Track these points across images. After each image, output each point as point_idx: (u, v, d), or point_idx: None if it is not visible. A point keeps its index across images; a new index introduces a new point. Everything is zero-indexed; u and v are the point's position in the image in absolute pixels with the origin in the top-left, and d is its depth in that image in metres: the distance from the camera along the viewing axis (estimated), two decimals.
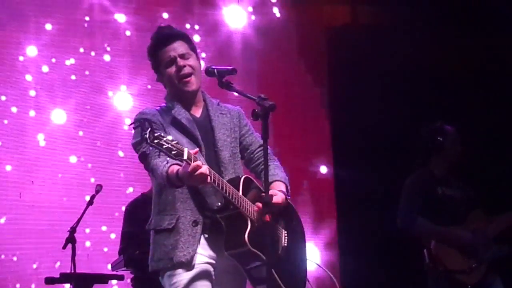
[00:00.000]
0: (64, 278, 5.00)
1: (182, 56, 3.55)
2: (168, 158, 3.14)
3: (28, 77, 5.98)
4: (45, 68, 6.08)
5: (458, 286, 4.72)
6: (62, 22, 6.23)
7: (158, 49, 3.58)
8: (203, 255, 3.40)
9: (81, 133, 6.12)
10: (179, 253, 3.35)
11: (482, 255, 4.78)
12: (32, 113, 5.94)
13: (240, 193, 3.37)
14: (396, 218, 4.89)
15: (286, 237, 3.59)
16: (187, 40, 3.63)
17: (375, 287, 6.72)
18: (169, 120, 3.49)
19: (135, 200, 5.34)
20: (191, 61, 3.56)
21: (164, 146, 3.01)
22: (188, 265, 3.35)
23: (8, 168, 5.68)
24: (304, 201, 7.34)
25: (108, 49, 6.46)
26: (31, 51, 6.04)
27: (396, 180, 5.26)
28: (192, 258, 3.35)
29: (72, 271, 4.90)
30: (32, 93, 5.97)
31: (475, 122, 6.24)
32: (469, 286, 4.72)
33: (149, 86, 6.42)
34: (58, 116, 6.05)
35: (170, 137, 3.04)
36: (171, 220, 3.39)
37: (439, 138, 5.00)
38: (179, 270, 3.37)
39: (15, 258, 5.61)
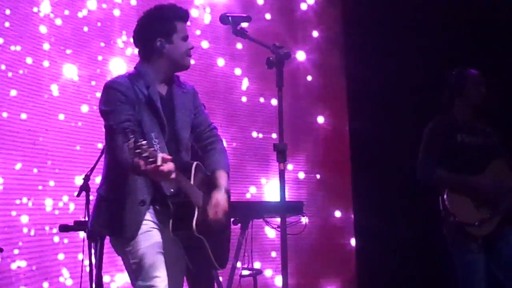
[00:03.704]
0: (78, 225, 5.08)
1: None
2: None
3: (43, 29, 6.01)
4: (58, 21, 6.10)
5: (469, 237, 4.76)
6: None
7: (178, 19, 3.75)
8: (152, 222, 3.61)
9: (93, 83, 6.17)
10: (123, 227, 3.55)
11: (499, 204, 4.79)
12: (46, 63, 5.97)
13: (192, 181, 3.58)
14: (414, 168, 4.93)
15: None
16: None
17: (390, 238, 6.80)
18: (143, 98, 3.61)
19: None
20: None
21: (143, 154, 3.16)
22: (131, 239, 3.56)
23: (23, 116, 5.75)
24: (318, 157, 7.44)
25: (119, 2, 6.50)
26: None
27: (412, 131, 5.29)
28: (133, 236, 3.56)
29: (86, 219, 4.92)
30: (46, 45, 6.00)
31: (503, 68, 6.11)
32: (479, 240, 4.78)
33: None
34: (71, 67, 6.10)
35: (145, 143, 3.18)
36: (121, 194, 3.55)
37: (459, 80, 4.99)
38: (125, 241, 3.58)
39: (30, 204, 5.71)
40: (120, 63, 6.35)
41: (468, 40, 6.50)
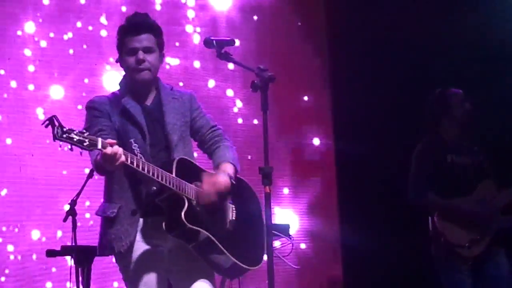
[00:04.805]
0: (65, 250, 5.05)
1: (146, 50, 3.65)
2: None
3: (27, 51, 5.98)
4: (43, 43, 6.07)
5: (459, 258, 4.75)
6: None
7: (125, 35, 3.68)
8: (145, 241, 3.55)
9: (79, 106, 6.12)
10: (119, 243, 3.52)
11: (488, 226, 4.78)
12: (31, 87, 5.94)
13: (174, 174, 3.45)
14: (406, 189, 4.89)
15: (234, 211, 3.68)
16: (156, 34, 3.73)
17: (377, 256, 6.76)
18: (118, 109, 3.62)
19: None
20: (152, 57, 3.67)
21: (74, 139, 3.09)
22: (128, 256, 3.53)
23: (9, 141, 5.70)
24: (304, 174, 7.38)
25: (105, 23, 6.47)
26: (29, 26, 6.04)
27: (397, 150, 5.25)
28: (130, 248, 3.52)
29: (73, 244, 4.93)
30: (31, 67, 5.97)
31: (489, 88, 6.05)
32: (469, 262, 4.75)
33: None
34: (57, 90, 6.06)
35: (83, 130, 3.14)
36: (114, 209, 3.55)
37: (444, 99, 4.98)
38: (125, 262, 3.56)
39: (16, 230, 5.65)
40: (107, 86, 6.31)
41: (455, 60, 6.48)
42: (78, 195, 5.04)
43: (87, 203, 5.88)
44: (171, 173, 3.45)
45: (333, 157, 7.58)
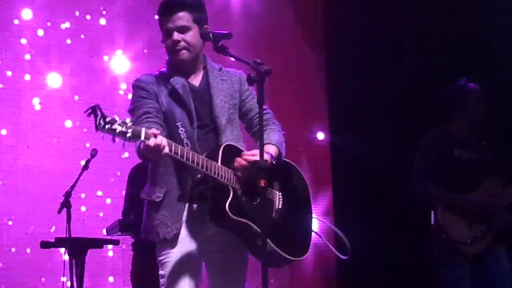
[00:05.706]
0: (59, 242, 5.01)
1: (180, 30, 3.52)
2: None
3: (23, 41, 5.92)
4: (40, 32, 6.02)
5: (460, 254, 4.70)
6: None
7: (161, 16, 3.56)
8: (189, 228, 3.47)
9: (76, 97, 6.08)
10: (165, 229, 3.44)
11: (492, 223, 4.74)
12: (27, 77, 5.89)
13: (219, 162, 3.35)
14: (403, 186, 4.84)
15: (281, 199, 3.58)
16: (194, 10, 3.56)
17: (371, 252, 6.71)
18: (167, 89, 3.52)
19: (141, 163, 5.29)
20: (189, 35, 3.53)
21: (117, 131, 2.95)
22: (173, 242, 3.45)
23: (3, 132, 5.66)
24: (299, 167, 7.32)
25: (104, 12, 6.40)
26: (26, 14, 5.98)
27: (393, 146, 5.19)
28: (176, 235, 3.44)
29: (67, 236, 4.90)
30: (27, 56, 5.92)
31: (493, 85, 5.82)
32: (471, 258, 4.71)
33: (145, 50, 6.40)
34: (54, 80, 6.01)
35: (125, 120, 2.99)
36: (160, 194, 3.46)
37: (462, 95, 4.91)
38: (166, 247, 3.47)
39: (10, 223, 5.61)
40: (104, 77, 6.25)
41: (452, 54, 6.43)
42: (73, 187, 5.03)
43: (82, 195, 5.85)
44: (217, 162, 3.37)
45: (328, 151, 7.55)
